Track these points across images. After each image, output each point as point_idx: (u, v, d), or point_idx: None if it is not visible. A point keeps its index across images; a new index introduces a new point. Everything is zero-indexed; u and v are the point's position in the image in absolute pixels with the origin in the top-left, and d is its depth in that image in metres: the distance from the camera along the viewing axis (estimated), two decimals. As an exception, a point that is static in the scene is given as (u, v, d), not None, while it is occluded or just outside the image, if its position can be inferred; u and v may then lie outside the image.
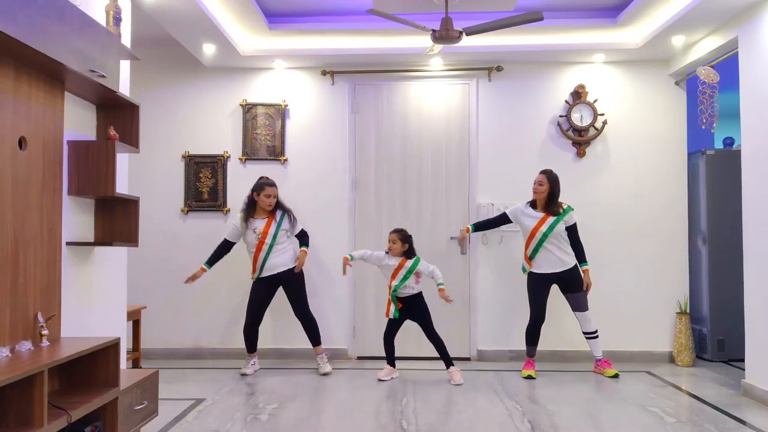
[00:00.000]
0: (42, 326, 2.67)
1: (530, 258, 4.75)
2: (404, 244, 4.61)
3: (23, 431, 2.20)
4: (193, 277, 4.69)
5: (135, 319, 4.66)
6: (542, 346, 4.91)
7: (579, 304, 4.74)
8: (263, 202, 4.72)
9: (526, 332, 4.80)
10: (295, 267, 4.78)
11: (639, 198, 5.28)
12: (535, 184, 4.74)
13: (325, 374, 4.75)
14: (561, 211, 4.70)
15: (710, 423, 3.55)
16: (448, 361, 4.60)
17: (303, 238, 4.90)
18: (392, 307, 4.59)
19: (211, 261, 4.74)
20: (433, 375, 4.72)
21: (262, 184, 4.76)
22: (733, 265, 4.74)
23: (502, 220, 4.90)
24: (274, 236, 4.71)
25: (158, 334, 5.35)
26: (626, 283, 5.23)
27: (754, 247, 4.12)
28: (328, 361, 4.87)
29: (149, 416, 3.11)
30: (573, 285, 4.73)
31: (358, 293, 5.40)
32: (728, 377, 4.71)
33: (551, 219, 4.66)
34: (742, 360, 4.32)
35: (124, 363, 3.60)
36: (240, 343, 5.02)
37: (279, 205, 4.81)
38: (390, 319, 4.66)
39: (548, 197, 4.71)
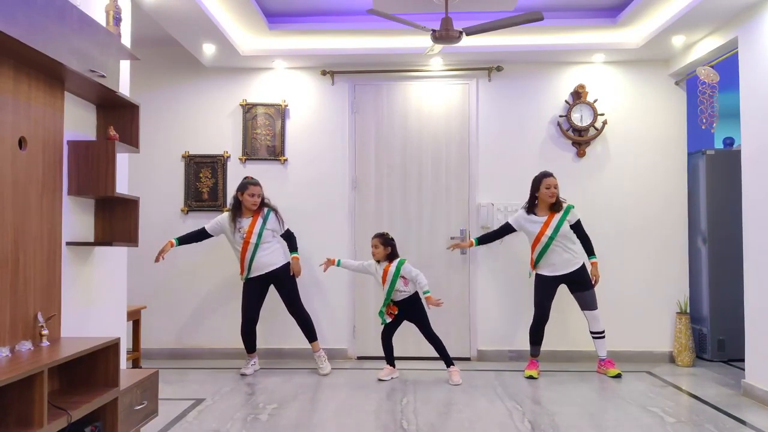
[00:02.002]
0: (42, 326, 2.67)
1: (535, 264, 4.74)
2: (386, 247, 4.60)
3: (23, 431, 2.20)
4: (162, 252, 4.63)
5: (135, 319, 4.66)
6: (543, 345, 4.90)
7: (588, 303, 4.73)
8: (247, 201, 4.70)
9: (530, 332, 4.81)
10: (282, 266, 4.78)
11: (639, 198, 5.28)
12: (550, 188, 4.65)
13: (324, 375, 4.74)
14: (562, 209, 4.69)
15: (710, 423, 3.55)
16: (448, 361, 4.59)
17: (291, 240, 4.87)
18: (380, 309, 4.60)
19: (182, 240, 4.72)
20: (433, 375, 4.72)
21: (246, 184, 4.75)
22: (733, 265, 4.74)
23: (506, 230, 4.83)
24: (259, 235, 4.70)
25: (158, 334, 5.35)
26: (626, 283, 5.22)
27: (754, 247, 4.12)
28: (327, 360, 4.87)
29: (149, 416, 3.11)
30: (581, 284, 4.72)
31: (358, 293, 5.40)
32: (728, 377, 4.71)
33: (555, 220, 4.65)
34: (742, 360, 4.32)
35: (124, 363, 3.60)
36: (240, 343, 5.01)
37: (264, 204, 4.80)
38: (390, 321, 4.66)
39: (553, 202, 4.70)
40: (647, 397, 4.12)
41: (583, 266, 4.73)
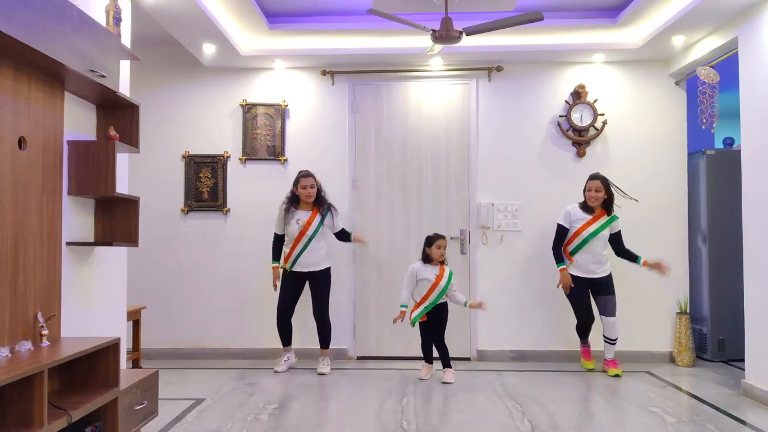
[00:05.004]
0: (42, 326, 2.67)
1: (572, 254, 4.76)
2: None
3: (23, 431, 2.20)
4: (276, 278, 4.82)
5: (135, 319, 4.66)
6: (546, 345, 4.90)
7: (608, 309, 4.75)
8: (302, 194, 4.76)
9: (577, 331, 4.86)
10: (324, 269, 4.83)
11: (639, 198, 5.27)
12: (591, 191, 4.69)
13: (321, 374, 4.74)
14: (610, 215, 4.74)
15: (710, 423, 3.55)
16: (447, 364, 4.60)
17: (344, 236, 4.92)
18: (417, 313, 4.53)
19: (276, 256, 4.86)
20: (434, 375, 4.72)
21: (298, 177, 4.82)
22: (733, 265, 4.74)
23: (563, 233, 4.79)
24: (316, 230, 4.75)
25: (158, 334, 5.34)
26: (626, 283, 5.21)
27: (754, 247, 4.12)
28: (329, 363, 4.88)
29: (149, 416, 3.11)
30: (606, 289, 4.75)
31: (359, 293, 5.40)
32: (728, 377, 4.71)
33: (599, 223, 4.69)
34: (742, 360, 4.32)
35: (124, 363, 3.60)
36: (240, 343, 5.03)
37: (322, 200, 4.84)
38: (422, 324, 4.60)
39: (605, 202, 4.74)
40: (647, 397, 4.12)
41: (610, 275, 4.77)
